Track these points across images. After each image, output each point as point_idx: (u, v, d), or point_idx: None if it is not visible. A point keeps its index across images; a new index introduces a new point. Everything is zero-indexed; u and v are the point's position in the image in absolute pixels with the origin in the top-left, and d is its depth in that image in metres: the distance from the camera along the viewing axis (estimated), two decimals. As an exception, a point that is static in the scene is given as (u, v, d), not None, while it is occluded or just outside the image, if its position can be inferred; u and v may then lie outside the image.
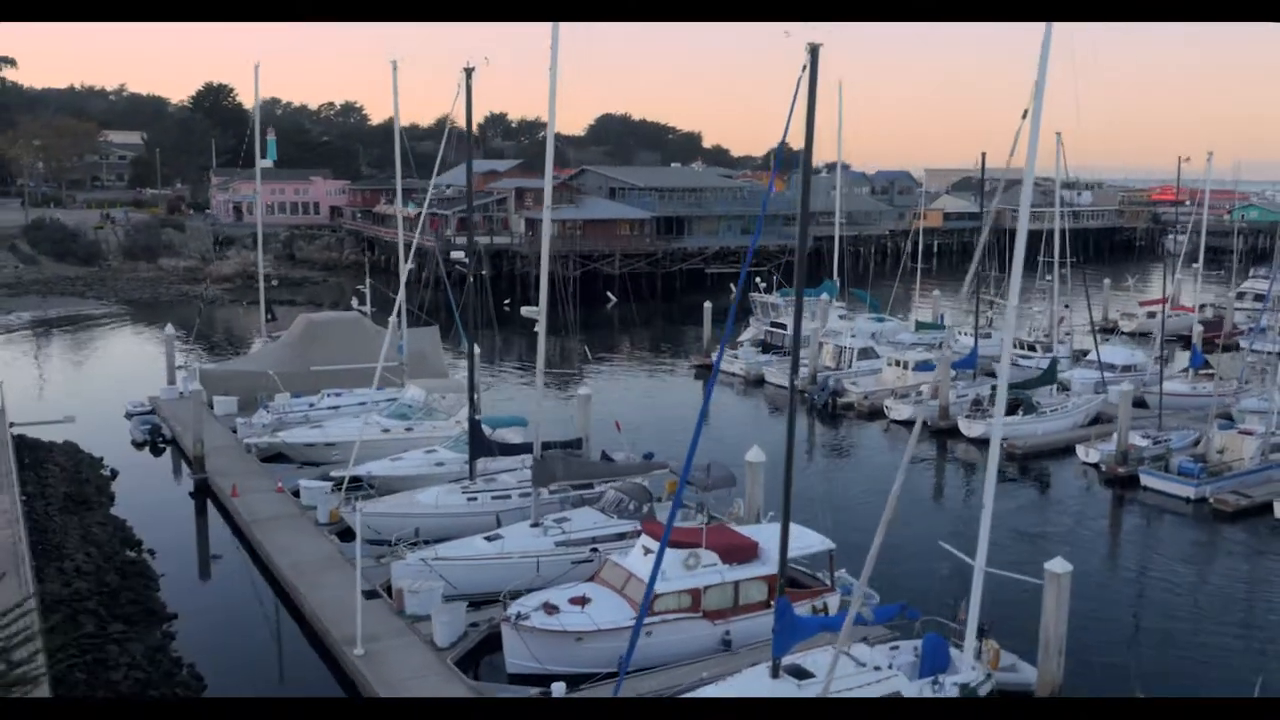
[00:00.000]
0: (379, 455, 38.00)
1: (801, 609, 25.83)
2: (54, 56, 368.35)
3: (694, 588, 24.28)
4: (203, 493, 36.79)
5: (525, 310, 33.15)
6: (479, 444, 33.42)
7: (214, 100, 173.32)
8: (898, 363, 53.54)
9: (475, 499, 32.43)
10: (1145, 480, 38.48)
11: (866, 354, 56.30)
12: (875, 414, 50.04)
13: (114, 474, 39.04)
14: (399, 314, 51.37)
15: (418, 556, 27.18)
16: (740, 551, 25.35)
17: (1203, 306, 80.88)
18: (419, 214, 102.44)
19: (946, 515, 37.22)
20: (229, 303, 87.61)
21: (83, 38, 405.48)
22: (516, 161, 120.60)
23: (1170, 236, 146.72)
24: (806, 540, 26.43)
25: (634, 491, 30.28)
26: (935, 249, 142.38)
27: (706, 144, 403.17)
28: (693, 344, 67.75)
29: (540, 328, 31.72)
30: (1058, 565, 21.71)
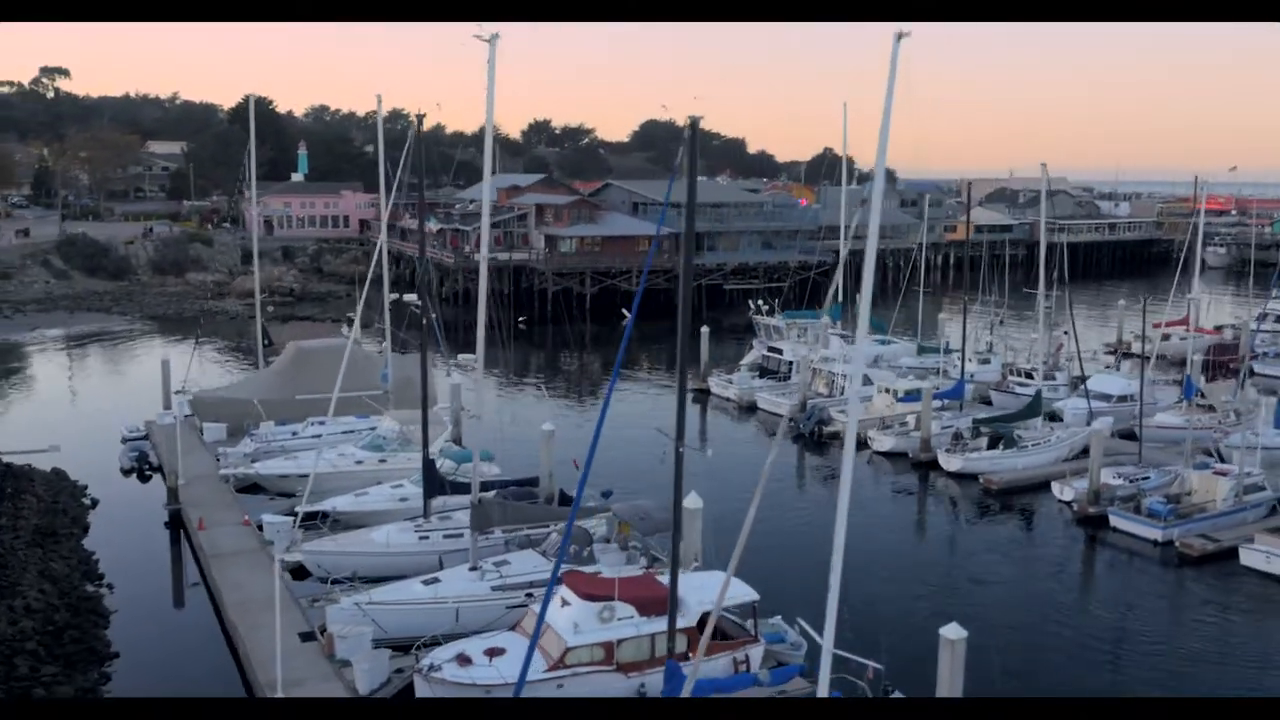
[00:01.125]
0: (354, 487, 38.79)
1: (723, 661, 26.02)
2: (110, 64, 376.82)
3: (607, 640, 24.48)
4: (176, 524, 37.60)
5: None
6: (432, 482, 33.86)
7: (256, 114, 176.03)
8: (887, 390, 53.25)
9: (427, 538, 32.89)
10: (1114, 521, 38.03)
11: (862, 380, 55.94)
12: (861, 444, 49.81)
13: (94, 503, 40.05)
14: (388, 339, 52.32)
15: (351, 600, 27.66)
16: (658, 603, 25.48)
17: (1221, 328, 79.60)
18: (440, 230, 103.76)
19: (912, 555, 37.02)
20: (248, 318, 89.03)
21: (139, 45, 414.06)
22: (539, 176, 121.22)
23: (1209, 250, 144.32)
24: (730, 590, 26.44)
25: (577, 535, 30.52)
26: (967, 263, 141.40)
27: (751, 149, 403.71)
28: (709, 362, 68.09)
29: (478, 361, 32.01)
30: (952, 631, 21.61)
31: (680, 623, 25.23)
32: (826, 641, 18.36)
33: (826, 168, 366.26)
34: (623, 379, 69.51)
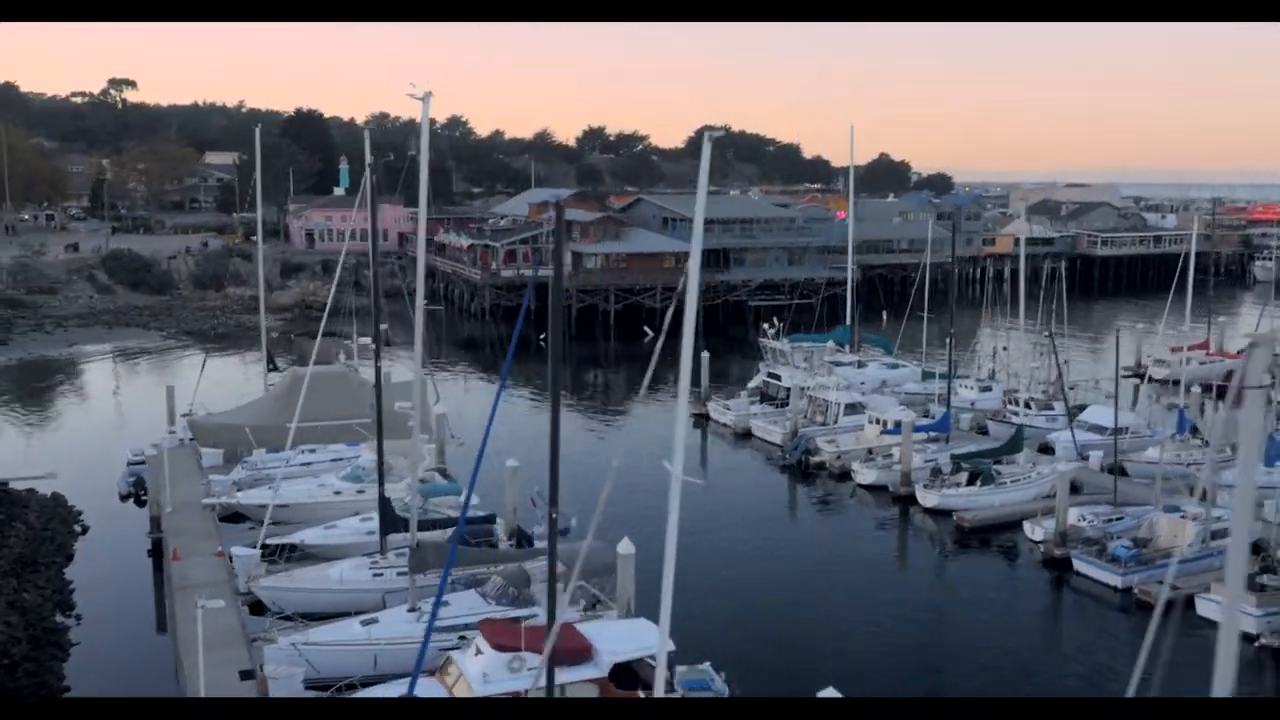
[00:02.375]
0: (332, 517, 40.01)
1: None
2: (181, 72, 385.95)
3: (515, 691, 25.15)
4: (157, 553, 39.01)
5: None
6: (388, 518, 34.83)
7: (303, 125, 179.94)
8: (876, 420, 53.23)
9: (381, 575, 33.87)
10: (1077, 564, 37.83)
11: (855, 409, 55.88)
12: (845, 476, 49.90)
13: (85, 530, 41.73)
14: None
15: (288, 640, 28.68)
16: (572, 653, 26.09)
17: (1244, 351, 77.90)
18: (470, 245, 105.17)
19: (868, 591, 37.11)
20: (277, 335, 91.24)
21: (207, 53, 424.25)
22: (572, 191, 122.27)
23: (1258, 263, 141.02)
24: (644, 640, 26.98)
25: (515, 577, 31.30)
26: (1006, 275, 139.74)
27: (807, 154, 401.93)
28: (710, 386, 68.50)
29: (417, 400, 32.84)
30: (829, 694, 21.95)
31: (592, 673, 25.84)
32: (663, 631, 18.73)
33: (882, 174, 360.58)
34: (620, 402, 70.25)
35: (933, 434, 50.69)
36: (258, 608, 33.06)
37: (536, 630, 26.69)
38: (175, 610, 32.97)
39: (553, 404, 22.17)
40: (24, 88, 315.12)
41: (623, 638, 27.12)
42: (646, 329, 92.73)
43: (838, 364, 62.99)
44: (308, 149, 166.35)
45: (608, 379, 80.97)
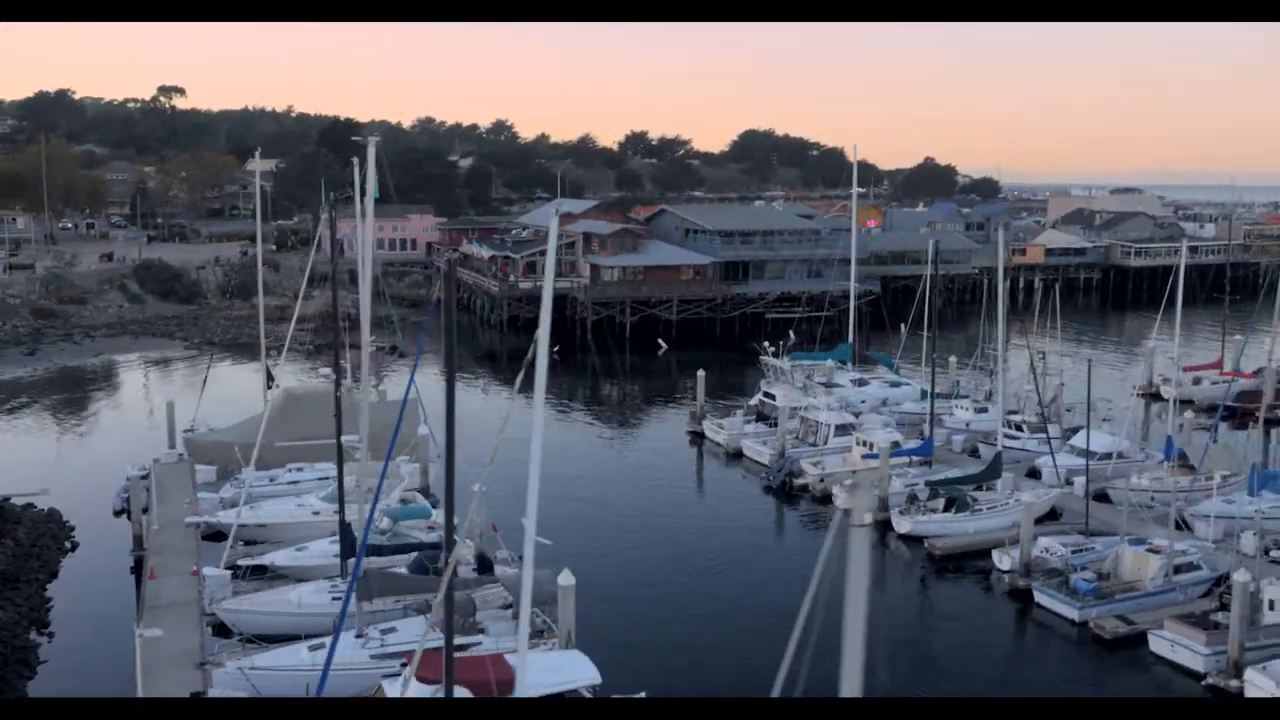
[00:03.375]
0: (311, 538, 41.00)
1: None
2: (230, 77, 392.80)
3: (434, 723, 25.80)
4: (139, 571, 40.22)
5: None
6: (348, 543, 35.71)
7: (341, 134, 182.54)
8: (862, 442, 53.27)
9: (339, 599, 34.71)
10: (1037, 596, 37.78)
11: (845, 430, 55.90)
12: (829, 498, 49.98)
13: (74, 547, 43.10)
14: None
15: (235, 664, 29.62)
16: (500, 685, 26.71)
17: (1259, 371, 76.73)
18: (491, 256, 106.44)
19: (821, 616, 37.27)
20: (296, 345, 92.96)
21: (257, 57, 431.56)
22: (593, 203, 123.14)
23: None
24: (572, 673, 27.54)
25: (461, 606, 31.96)
26: (1036, 287, 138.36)
27: (852, 157, 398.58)
28: (705, 404, 68.88)
29: (363, 423, 33.66)
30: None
31: (516, 705, 26.41)
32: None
33: (926, 178, 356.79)
34: (617, 416, 70.72)
35: (916, 458, 50.63)
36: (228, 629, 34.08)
37: (467, 662, 27.40)
38: (143, 630, 33.98)
39: (448, 436, 22.82)
40: (80, 93, 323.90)
41: (552, 670, 27.72)
42: (660, 341, 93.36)
43: (829, 385, 62.82)
44: (343, 157, 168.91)
45: (614, 392, 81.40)
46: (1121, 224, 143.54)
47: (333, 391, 55.17)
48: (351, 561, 35.76)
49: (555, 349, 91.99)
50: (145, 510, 46.75)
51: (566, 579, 31.30)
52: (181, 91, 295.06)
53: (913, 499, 45.84)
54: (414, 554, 36.68)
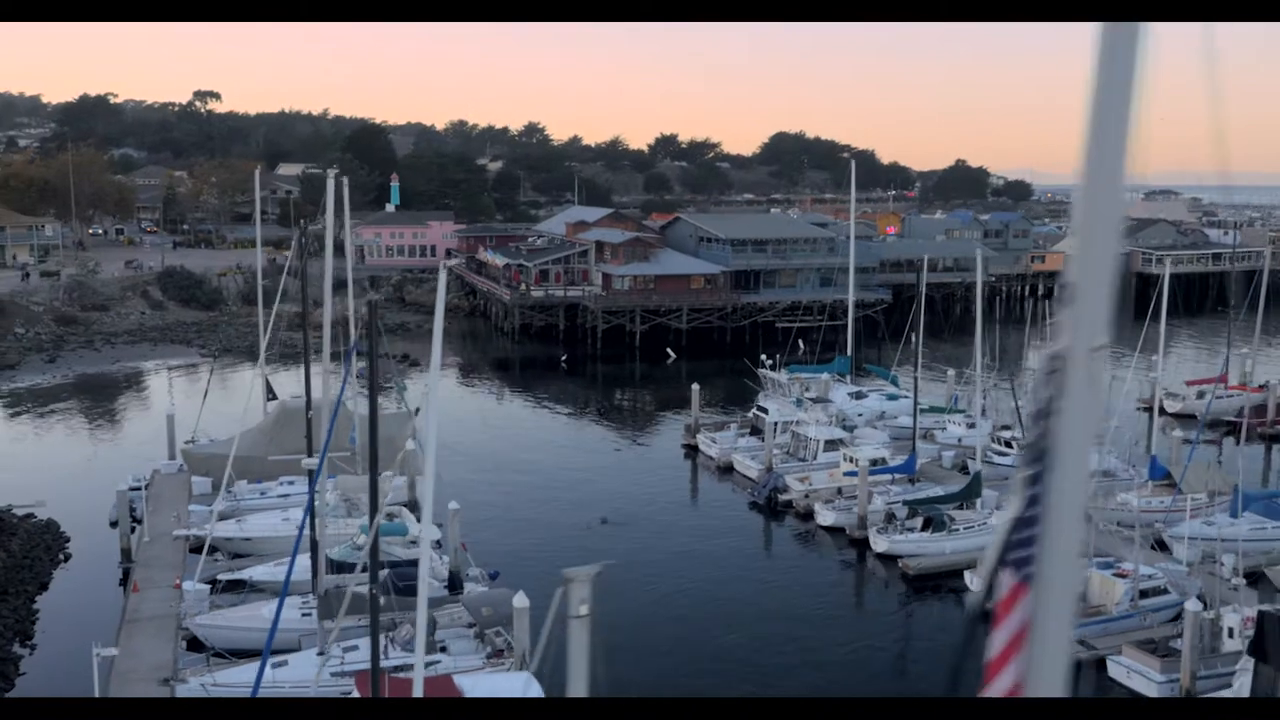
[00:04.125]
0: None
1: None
2: (267, 81, 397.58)
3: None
4: (126, 584, 41.36)
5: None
6: (318, 561, 36.58)
7: (367, 139, 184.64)
8: (849, 459, 53.45)
9: (309, 615, 35.62)
10: (1002, 619, 37.90)
11: (835, 445, 56.11)
12: (810, 515, 50.26)
13: (67, 558, 44.35)
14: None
15: (198, 680, 30.55)
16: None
17: (1264, 385, 76.07)
18: (505, 264, 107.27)
19: (788, 632, 37.76)
20: (315, 353, 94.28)
21: (293, 62, 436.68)
22: (607, 211, 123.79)
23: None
24: (516, 695, 28.18)
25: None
26: (1055, 294, 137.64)
27: (884, 159, 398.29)
28: (700, 416, 69.42)
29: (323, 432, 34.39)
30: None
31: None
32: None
33: (957, 182, 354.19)
34: (613, 427, 71.17)
35: (898, 475, 50.83)
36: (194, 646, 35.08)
37: (399, 682, 28.13)
38: (121, 643, 35.05)
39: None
40: (122, 95, 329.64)
41: (497, 691, 28.38)
42: (669, 350, 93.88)
43: (818, 400, 63.01)
44: (369, 163, 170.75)
45: (619, 401, 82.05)
46: (1142, 231, 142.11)
47: (330, 406, 56.48)
48: (321, 579, 36.89)
49: (563, 358, 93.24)
50: (139, 521, 48.18)
51: (521, 600, 31.97)
52: (217, 96, 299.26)
53: (890, 518, 46.10)
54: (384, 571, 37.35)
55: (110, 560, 44.31)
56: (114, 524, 48.88)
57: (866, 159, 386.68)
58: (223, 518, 46.58)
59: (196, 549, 43.90)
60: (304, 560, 40.56)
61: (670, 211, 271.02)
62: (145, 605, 37.88)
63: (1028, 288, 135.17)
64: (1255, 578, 40.72)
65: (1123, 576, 37.90)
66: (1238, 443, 68.03)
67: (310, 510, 37.44)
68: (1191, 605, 31.85)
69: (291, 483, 49.97)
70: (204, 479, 51.29)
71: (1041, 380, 4.46)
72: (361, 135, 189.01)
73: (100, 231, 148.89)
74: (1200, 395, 73.13)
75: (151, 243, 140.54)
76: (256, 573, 39.09)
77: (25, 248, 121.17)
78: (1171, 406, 72.10)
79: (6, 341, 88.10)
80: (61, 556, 44.27)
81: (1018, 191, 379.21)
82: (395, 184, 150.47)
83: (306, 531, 38.49)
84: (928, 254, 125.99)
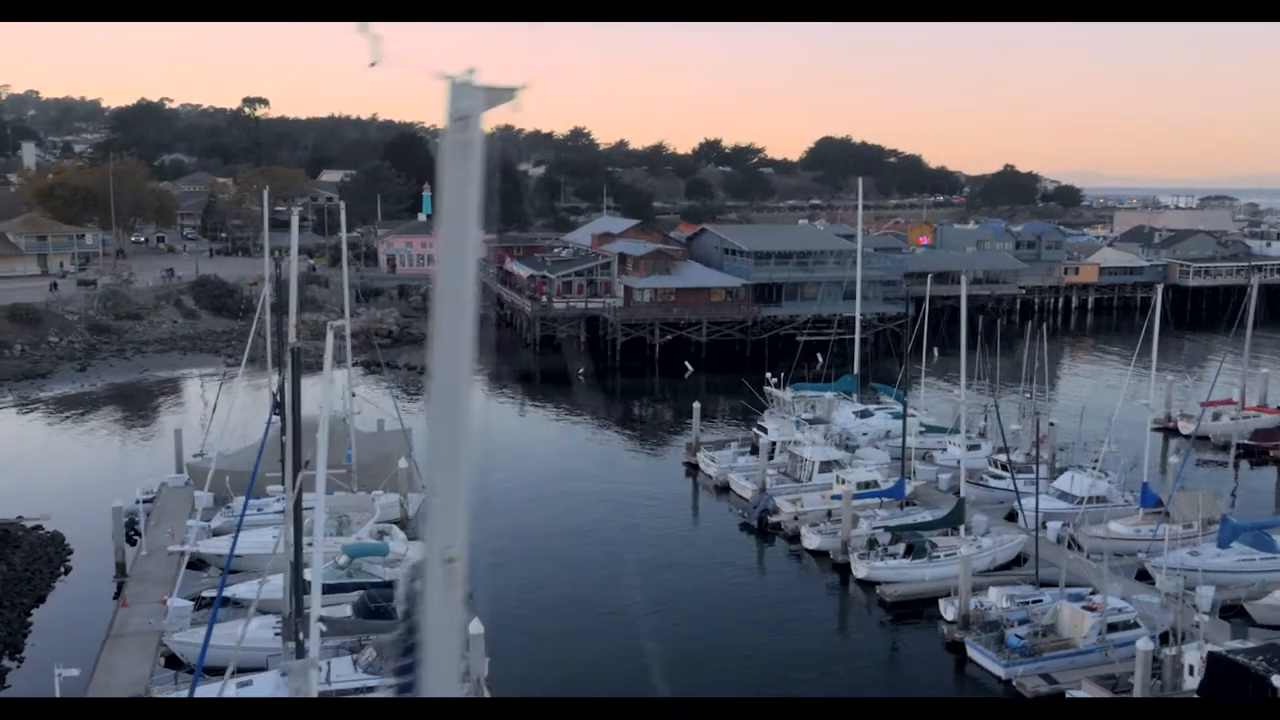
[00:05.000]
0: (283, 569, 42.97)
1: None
2: (317, 85, 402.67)
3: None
4: (118, 599, 42.68)
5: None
6: (296, 582, 37.49)
7: (406, 147, 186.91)
8: (841, 481, 53.47)
9: (279, 635, 36.60)
10: (969, 650, 37.99)
11: (830, 466, 56.15)
12: (796, 538, 50.39)
13: (67, 571, 45.81)
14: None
15: (163, 697, 31.58)
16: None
17: (1280, 407, 74.89)
18: (529, 275, 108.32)
19: (759, 657, 38.04)
20: (337, 364, 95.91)
21: (341, 64, 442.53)
22: (633, 222, 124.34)
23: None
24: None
25: (385, 650, 33.53)
26: (1090, 306, 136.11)
27: (932, 163, 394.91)
28: (700, 434, 69.95)
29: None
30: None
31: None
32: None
33: (1004, 187, 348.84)
34: (644, 436, 71.65)
35: (887, 499, 50.87)
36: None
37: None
38: (102, 659, 36.34)
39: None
40: (179, 99, 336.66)
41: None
42: (687, 364, 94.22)
43: (815, 421, 63.08)
44: (406, 171, 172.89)
45: (632, 414, 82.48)
46: (1181, 242, 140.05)
47: (332, 422, 57.53)
48: (290, 599, 37.79)
49: (581, 371, 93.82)
50: (140, 535, 49.61)
51: (476, 627, 32.66)
52: (265, 102, 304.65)
53: (872, 543, 46.21)
54: (357, 593, 38.30)
55: (109, 573, 45.67)
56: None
57: (912, 164, 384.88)
58: (218, 533, 48.03)
59: (191, 565, 45.36)
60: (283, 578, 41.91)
61: (711, 218, 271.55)
62: (132, 620, 39.10)
63: (1061, 300, 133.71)
64: (1235, 611, 40.35)
65: (1092, 610, 37.74)
66: (1251, 466, 67.53)
67: (296, 528, 38.35)
68: (1143, 644, 31.80)
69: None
70: (206, 494, 52.58)
71: (407, 587, 4.96)
72: (400, 143, 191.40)
73: (142, 239, 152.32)
74: (1215, 417, 72.21)
75: (191, 250, 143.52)
76: (240, 590, 40.09)
77: (67, 255, 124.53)
78: (1185, 428, 71.23)
79: (40, 350, 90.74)
80: (62, 570, 45.70)
81: (1067, 197, 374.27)
82: (427, 194, 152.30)
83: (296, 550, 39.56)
84: (956, 266, 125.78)
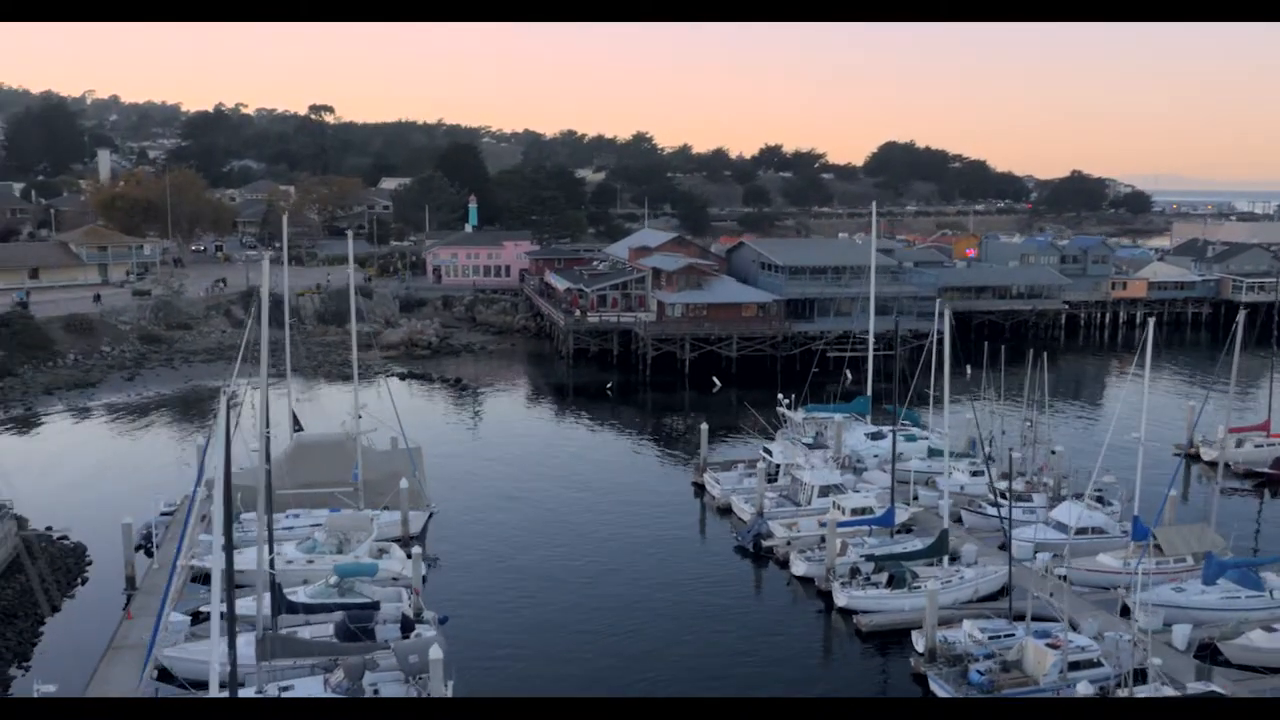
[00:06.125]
0: (287, 583, 44.94)
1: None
2: (385, 90, 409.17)
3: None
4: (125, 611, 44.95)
5: None
6: (276, 600, 39.34)
7: (459, 157, 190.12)
8: (836, 506, 54.00)
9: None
10: (932, 685, 38.48)
11: (829, 491, 56.66)
12: (786, 564, 51.02)
13: (85, 582, 48.28)
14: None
15: (142, 717, 33.46)
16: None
17: (1314, 435, 73.27)
18: (566, 288, 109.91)
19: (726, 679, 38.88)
20: (374, 374, 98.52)
21: (410, 73, 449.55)
22: (671, 235, 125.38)
23: None
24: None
25: (352, 670, 35.15)
26: (1138, 321, 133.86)
27: (999, 167, 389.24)
28: (739, 443, 70.97)
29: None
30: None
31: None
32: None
33: (1072, 193, 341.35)
34: (659, 453, 72.59)
35: (876, 527, 51.34)
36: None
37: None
38: (99, 671, 38.46)
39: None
40: (254, 105, 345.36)
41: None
42: (715, 379, 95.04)
43: (814, 445, 63.52)
44: (460, 180, 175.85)
45: (654, 429, 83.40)
46: (1234, 256, 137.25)
47: (344, 440, 59.59)
48: (277, 618, 39.64)
49: (609, 385, 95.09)
50: (157, 547, 51.93)
51: (436, 653, 34.09)
52: (330, 109, 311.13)
53: (855, 572, 46.75)
54: (340, 614, 39.94)
55: (121, 587, 47.96)
56: (137, 549, 52.94)
57: (977, 169, 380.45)
58: (238, 547, 50.12)
59: (196, 579, 47.58)
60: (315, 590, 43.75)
61: (768, 225, 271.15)
62: (134, 633, 41.22)
63: (1108, 315, 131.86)
64: (1211, 650, 40.27)
65: (1055, 647, 38.01)
66: (1272, 495, 66.49)
67: (270, 547, 40.22)
68: (1084, 688, 32.14)
69: (296, 515, 53.21)
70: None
71: None
72: (453, 153, 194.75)
73: (201, 248, 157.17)
74: (1239, 444, 71.18)
75: (249, 259, 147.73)
76: (237, 605, 41.97)
77: (127, 265, 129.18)
78: (1208, 455, 70.33)
79: (92, 359, 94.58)
80: (79, 581, 48.13)
81: (1136, 203, 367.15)
82: (473, 205, 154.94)
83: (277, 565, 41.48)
84: (997, 281, 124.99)
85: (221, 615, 30.20)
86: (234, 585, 31.48)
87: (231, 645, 30.91)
